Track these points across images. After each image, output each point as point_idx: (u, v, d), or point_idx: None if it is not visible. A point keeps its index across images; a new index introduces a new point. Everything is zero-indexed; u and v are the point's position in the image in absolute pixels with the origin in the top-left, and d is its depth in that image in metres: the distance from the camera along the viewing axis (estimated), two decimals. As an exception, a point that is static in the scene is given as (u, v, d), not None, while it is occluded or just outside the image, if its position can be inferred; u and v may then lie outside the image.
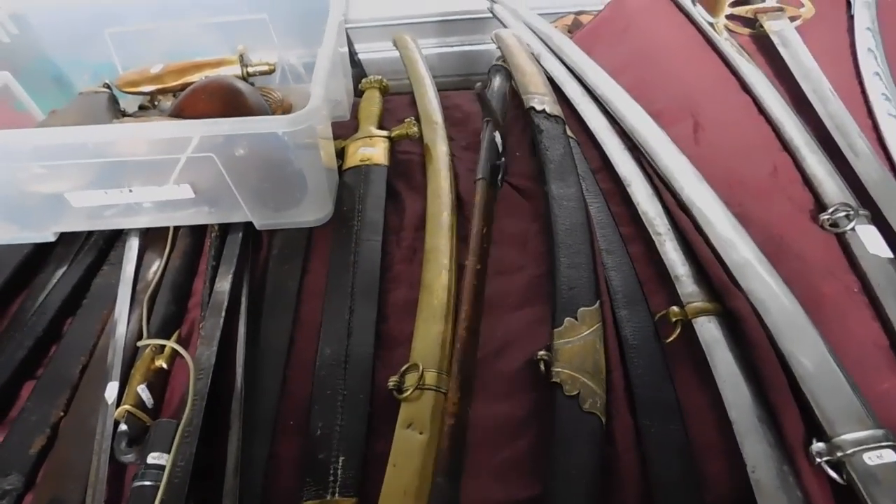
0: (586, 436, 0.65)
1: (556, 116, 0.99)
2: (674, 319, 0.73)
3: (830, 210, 0.82)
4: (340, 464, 0.67)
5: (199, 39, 1.12)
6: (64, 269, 0.92)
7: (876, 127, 0.93)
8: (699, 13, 1.16)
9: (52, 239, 0.95)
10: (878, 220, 0.80)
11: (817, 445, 0.60)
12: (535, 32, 1.23)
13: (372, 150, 1.00)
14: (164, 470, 0.66)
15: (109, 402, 0.75)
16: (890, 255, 0.77)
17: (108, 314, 0.86)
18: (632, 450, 0.66)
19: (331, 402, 0.72)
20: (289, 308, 0.85)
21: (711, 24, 1.14)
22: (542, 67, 1.12)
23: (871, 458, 0.57)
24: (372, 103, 1.09)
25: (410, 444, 0.67)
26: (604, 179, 0.95)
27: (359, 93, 1.16)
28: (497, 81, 1.11)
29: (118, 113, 1.04)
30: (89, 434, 0.73)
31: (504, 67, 1.07)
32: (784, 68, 1.04)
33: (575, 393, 0.67)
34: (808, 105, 0.97)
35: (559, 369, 0.69)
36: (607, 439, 0.66)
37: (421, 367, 0.72)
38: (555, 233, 0.82)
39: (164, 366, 0.79)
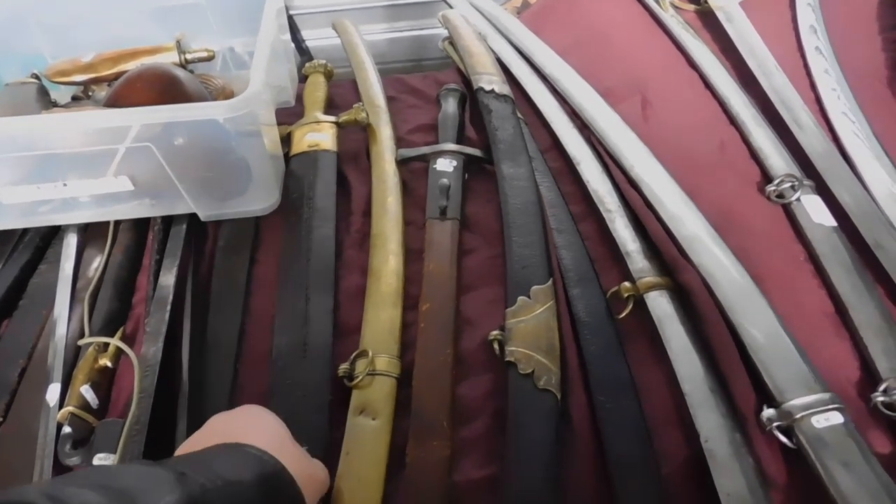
0: (542, 412, 0.64)
1: (505, 96, 0.98)
2: (626, 295, 0.73)
3: (776, 182, 0.83)
4: (300, 455, 0.65)
5: (133, 27, 1.07)
6: (-2, 269, 0.88)
7: (819, 100, 0.95)
8: (645, -10, 1.16)
9: (-18, 238, 0.90)
10: (822, 190, 0.82)
11: (768, 412, 0.61)
12: (482, 13, 1.21)
13: (320, 135, 0.97)
14: (109, 471, 0.64)
15: (52, 404, 0.72)
16: (833, 223, 0.78)
17: (47, 314, 0.83)
18: (588, 425, 0.66)
19: (290, 392, 0.71)
20: (238, 300, 0.82)
21: (657, 1, 1.14)
22: (490, 48, 1.11)
23: (819, 422, 0.58)
24: (317, 88, 1.06)
25: (363, 431, 0.66)
26: (553, 159, 0.94)
27: (303, 78, 1.14)
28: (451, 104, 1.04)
29: (49, 104, 0.99)
30: (31, 438, 0.70)
31: (455, 89, 1.04)
32: (729, 44, 1.05)
33: (529, 371, 0.66)
34: (754, 80, 0.98)
35: (513, 348, 0.68)
36: (563, 416, 0.66)
37: (371, 353, 0.70)
38: (506, 213, 0.81)
39: (109, 364, 0.76)
